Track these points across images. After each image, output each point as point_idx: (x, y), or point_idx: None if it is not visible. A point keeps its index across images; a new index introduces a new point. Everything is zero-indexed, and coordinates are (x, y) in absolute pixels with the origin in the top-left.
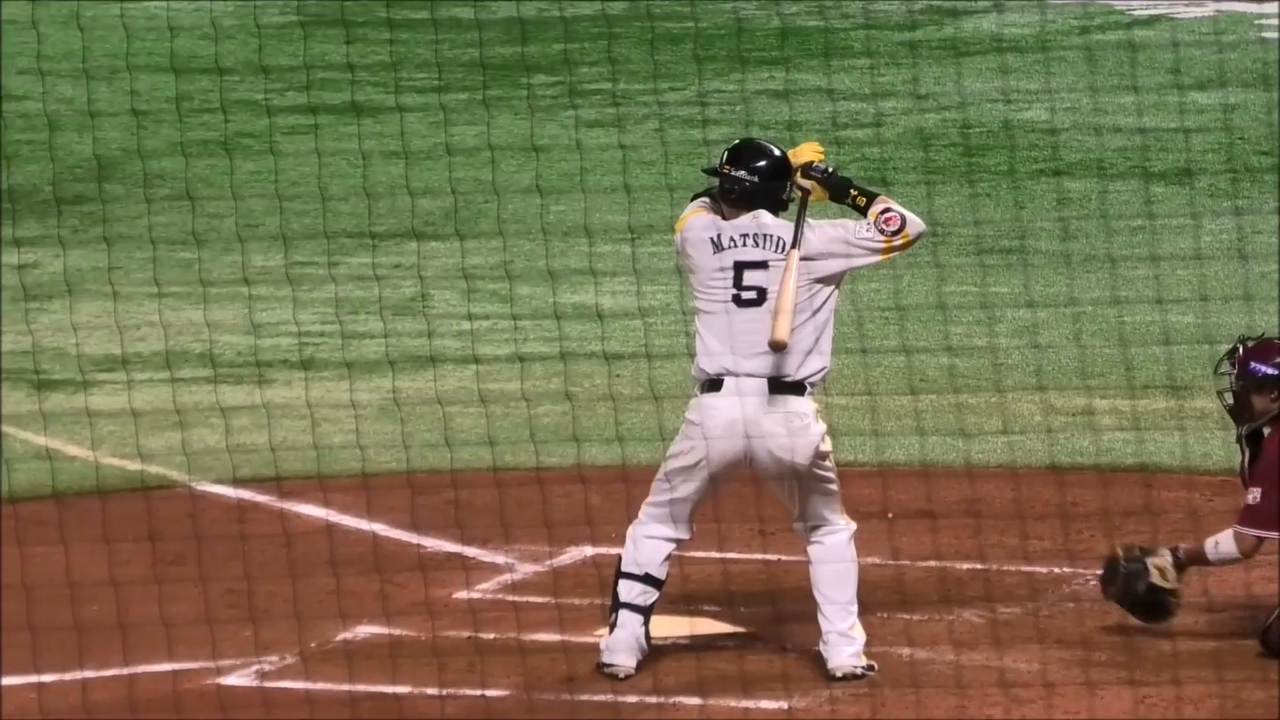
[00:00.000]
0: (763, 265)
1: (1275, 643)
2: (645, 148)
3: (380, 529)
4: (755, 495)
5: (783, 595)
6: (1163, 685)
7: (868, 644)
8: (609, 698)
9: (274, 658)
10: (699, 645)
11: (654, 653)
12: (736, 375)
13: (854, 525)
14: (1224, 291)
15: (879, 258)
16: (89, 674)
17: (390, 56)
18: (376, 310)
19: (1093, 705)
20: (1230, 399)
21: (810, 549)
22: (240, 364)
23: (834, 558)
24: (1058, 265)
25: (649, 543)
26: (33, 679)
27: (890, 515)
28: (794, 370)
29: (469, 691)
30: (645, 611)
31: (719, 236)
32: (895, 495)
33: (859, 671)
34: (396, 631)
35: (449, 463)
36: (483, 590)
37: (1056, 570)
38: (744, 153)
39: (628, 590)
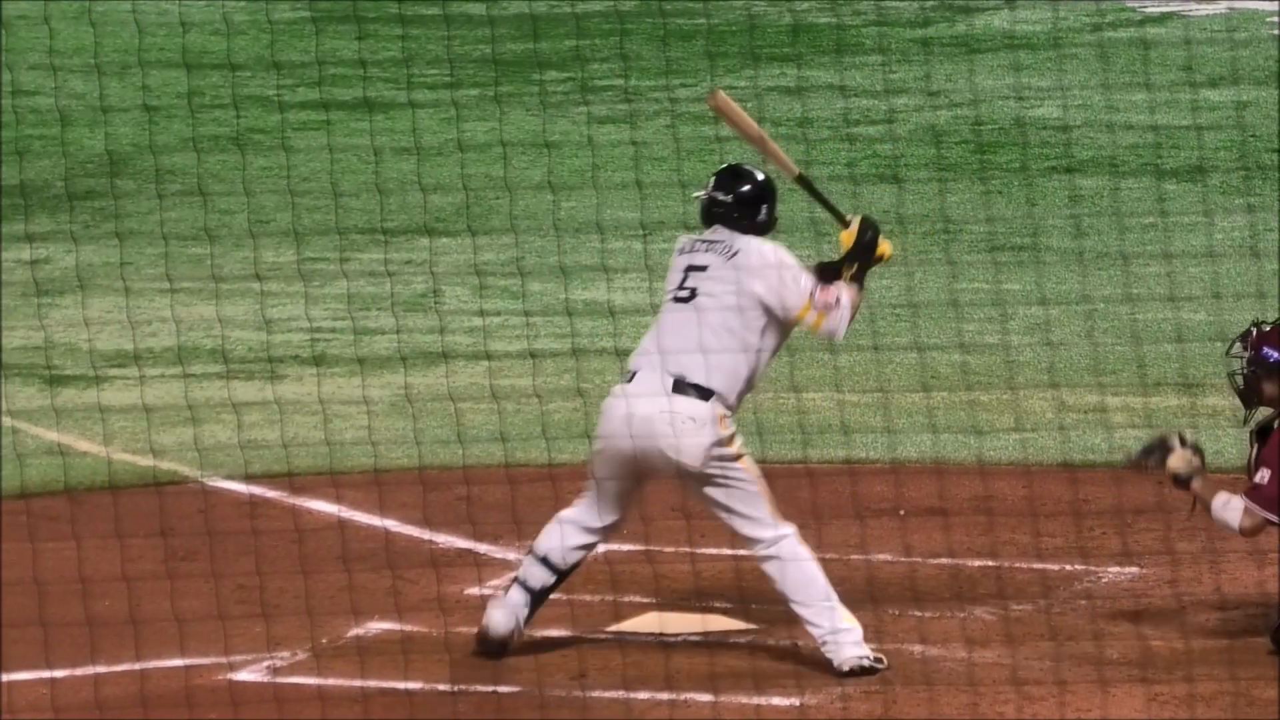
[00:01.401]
0: (703, 269)
1: None
2: (657, 144)
3: (392, 525)
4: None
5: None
6: (1175, 683)
7: (877, 639)
8: (620, 694)
9: (286, 653)
10: (711, 642)
11: (665, 649)
12: (649, 371)
13: (791, 527)
14: (1236, 289)
15: (792, 314)
16: (101, 669)
17: (402, 52)
18: (388, 306)
19: (1105, 703)
20: (1240, 382)
21: (764, 567)
22: (252, 359)
23: (789, 566)
24: (1070, 262)
25: (561, 528)
26: (45, 674)
27: (903, 512)
28: (704, 376)
29: (481, 688)
30: (534, 593)
31: (686, 244)
32: (908, 492)
33: (866, 663)
34: (408, 627)
35: (461, 459)
36: (494, 586)
37: (1069, 568)
38: (725, 176)
39: (524, 568)
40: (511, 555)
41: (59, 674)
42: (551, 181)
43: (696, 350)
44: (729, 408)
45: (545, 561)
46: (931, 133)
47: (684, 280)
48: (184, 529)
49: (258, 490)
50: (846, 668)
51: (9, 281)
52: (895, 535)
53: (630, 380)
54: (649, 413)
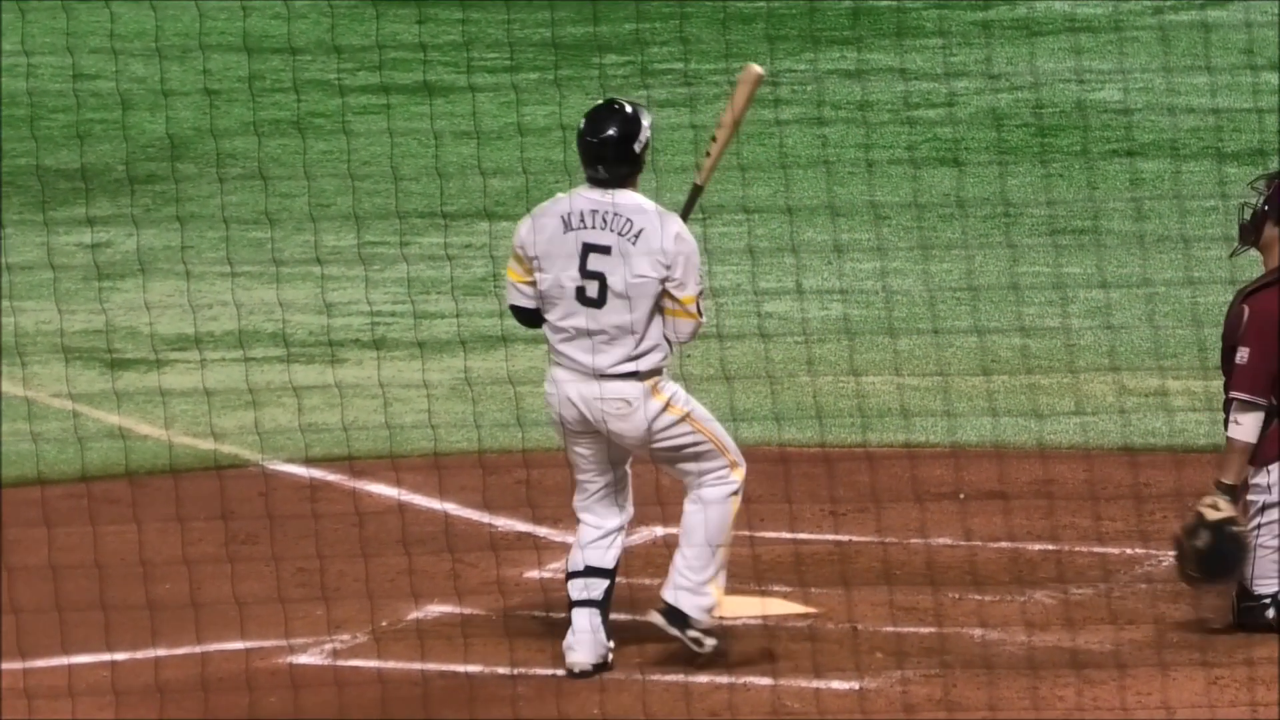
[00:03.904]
0: (605, 250)
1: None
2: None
3: (451, 508)
4: (826, 476)
5: (854, 576)
6: (1235, 666)
7: (937, 623)
8: (680, 678)
9: (346, 636)
10: (770, 626)
11: (724, 633)
12: (570, 367)
13: (738, 479)
14: None
15: (675, 298)
16: (161, 652)
17: (462, 36)
18: (448, 290)
19: (1165, 686)
20: (1247, 214)
21: (690, 501)
22: (312, 343)
23: (702, 505)
24: (1131, 246)
25: (583, 534)
26: (105, 657)
27: (962, 496)
28: (632, 364)
29: (540, 671)
30: (598, 604)
31: (569, 214)
32: (967, 476)
33: (699, 633)
34: (468, 610)
35: (520, 442)
36: (554, 570)
37: (1129, 551)
38: (600, 113)
39: (574, 587)
40: (570, 539)
41: (120, 657)
42: None
43: (618, 344)
44: (658, 373)
45: (590, 571)
46: (992, 116)
47: (584, 263)
48: (244, 512)
49: (318, 474)
50: (680, 621)
51: (69, 265)
52: (955, 519)
53: (560, 369)
54: (588, 394)
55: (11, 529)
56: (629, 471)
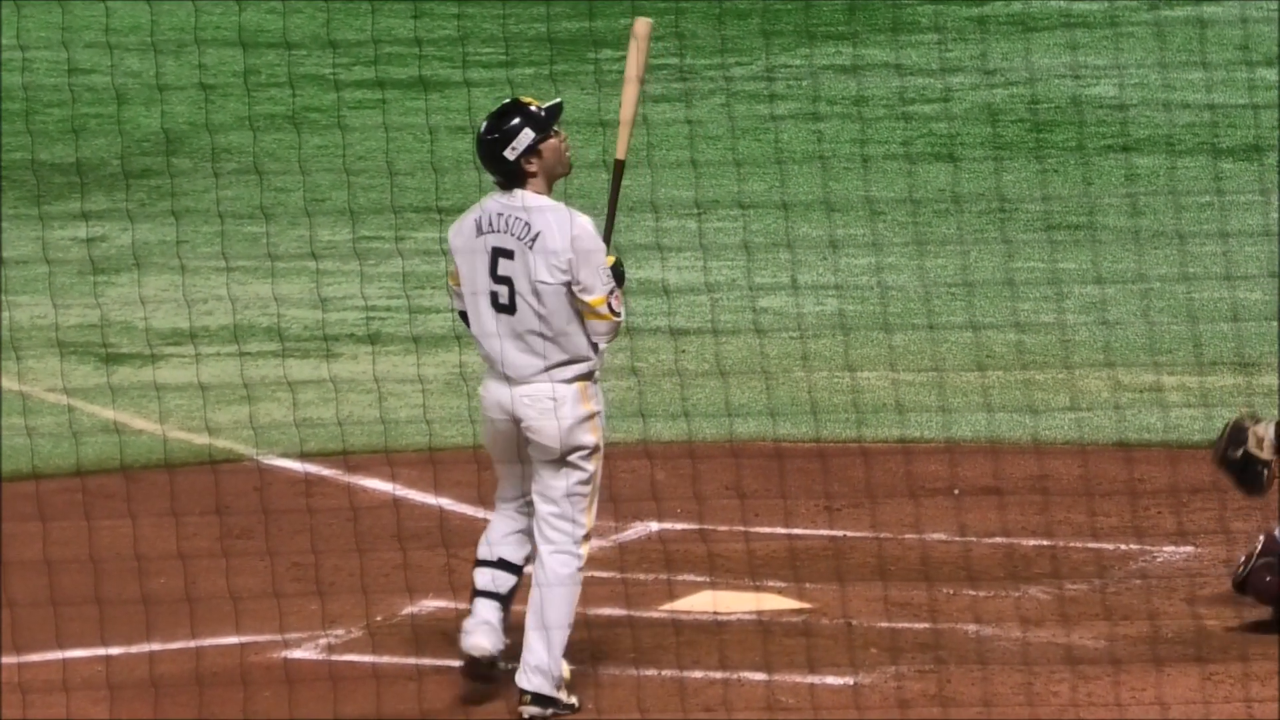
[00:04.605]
0: (509, 255)
1: (1252, 587)
2: (712, 123)
3: (446, 503)
4: (821, 471)
5: (848, 571)
6: (1230, 662)
7: (931, 619)
8: (674, 673)
9: (340, 631)
10: (764, 621)
11: (719, 628)
12: (494, 370)
13: (584, 555)
14: None
15: (585, 299)
16: (156, 647)
17: (457, 31)
18: (443, 285)
19: (1160, 682)
20: None
21: (537, 562)
22: (307, 338)
23: (548, 586)
24: (1126, 241)
25: (495, 528)
26: (100, 652)
27: (957, 491)
28: (543, 372)
29: None
30: (502, 599)
31: (480, 219)
32: (962, 471)
33: (563, 704)
34: (463, 605)
35: None
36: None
37: (1124, 547)
38: (489, 119)
39: (481, 576)
40: None
41: (115, 651)
42: (606, 160)
43: (536, 350)
44: (588, 379)
45: (501, 564)
46: (987, 111)
47: (494, 267)
48: (239, 507)
49: (313, 468)
50: (547, 703)
51: (64, 259)
52: (950, 514)
53: (492, 376)
54: (513, 397)
55: (7, 523)
56: None
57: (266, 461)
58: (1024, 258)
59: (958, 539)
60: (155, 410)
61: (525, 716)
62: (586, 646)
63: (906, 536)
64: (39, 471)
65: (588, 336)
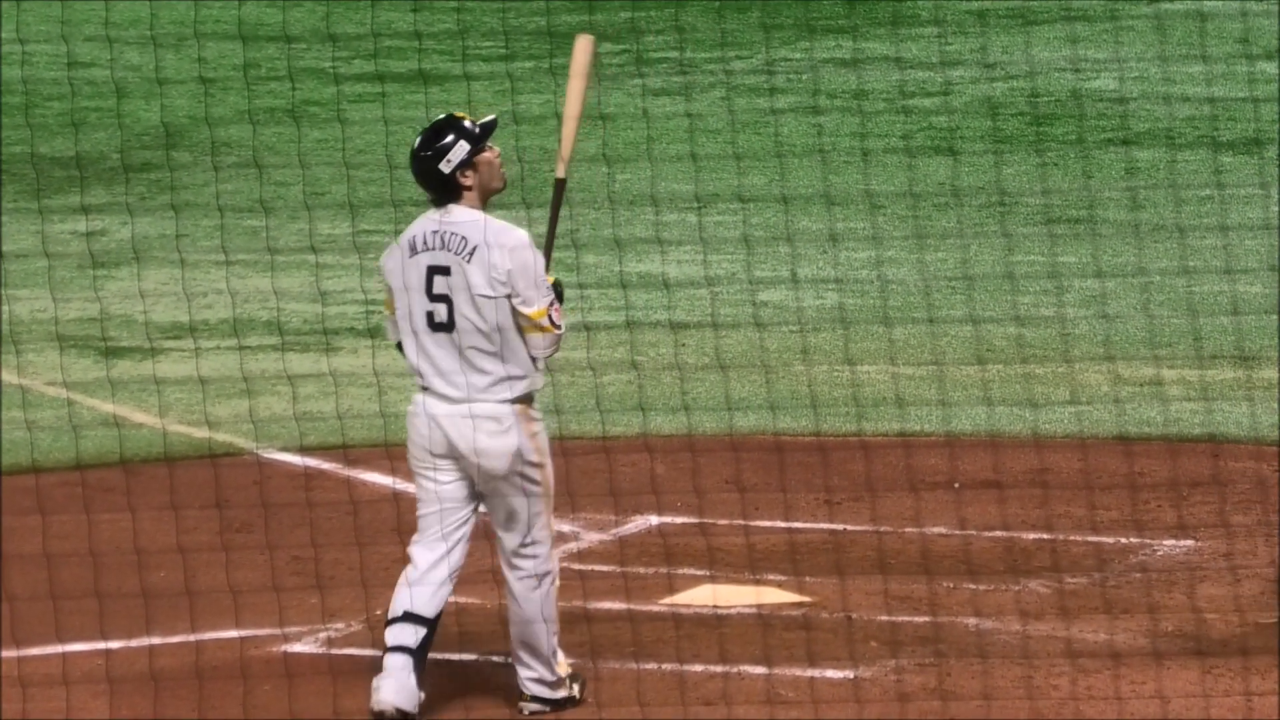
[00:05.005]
0: (446, 271)
1: None
2: (712, 116)
3: None
4: (821, 465)
5: (849, 565)
6: (1230, 655)
7: (931, 613)
8: (674, 667)
9: (340, 625)
10: (764, 615)
11: (719, 622)
12: (433, 393)
13: (555, 566)
14: None
15: (524, 311)
16: (156, 640)
17: (457, 24)
18: None
19: (1160, 675)
20: None
21: (508, 590)
22: (307, 332)
23: (525, 602)
24: (1126, 235)
25: (410, 572)
26: (100, 645)
27: (957, 485)
28: (485, 392)
29: None
30: (413, 653)
31: (414, 239)
32: (962, 465)
33: (563, 697)
34: (462, 599)
35: None
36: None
37: (1124, 540)
38: (428, 130)
39: (390, 633)
40: (565, 527)
41: (114, 645)
42: (606, 154)
43: (477, 369)
44: (528, 401)
45: (408, 618)
46: (987, 105)
47: (430, 285)
48: (239, 501)
49: (312, 462)
50: (549, 703)
51: (64, 253)
52: (950, 508)
53: (429, 397)
54: (451, 419)
55: (7, 517)
56: (474, 520)
57: (266, 455)
58: (1024, 251)
59: (958, 532)
60: (155, 404)
61: (525, 713)
62: (586, 640)
63: (906, 530)
64: (39, 465)
65: (528, 351)
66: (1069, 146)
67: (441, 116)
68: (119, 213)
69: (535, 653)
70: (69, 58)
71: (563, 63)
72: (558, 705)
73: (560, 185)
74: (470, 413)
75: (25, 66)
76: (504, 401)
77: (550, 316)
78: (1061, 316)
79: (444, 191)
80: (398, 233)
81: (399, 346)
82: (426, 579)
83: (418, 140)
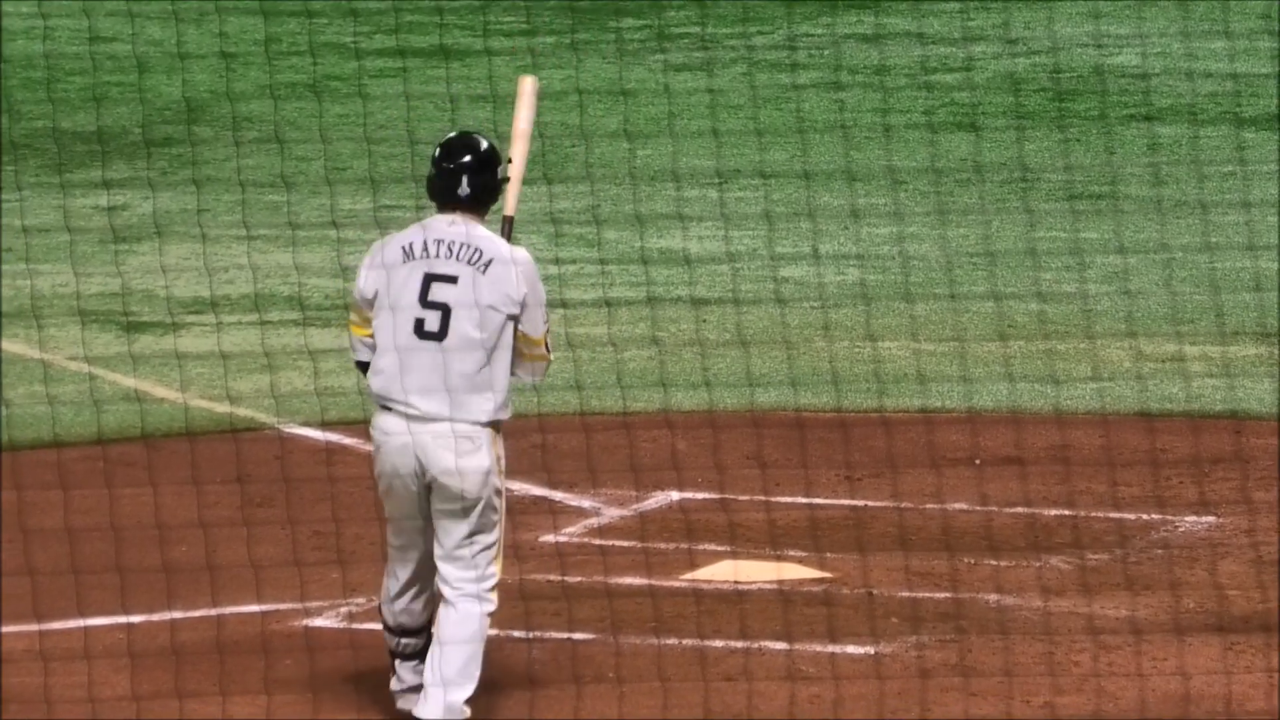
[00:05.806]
0: (452, 280)
1: None
2: (734, 91)
3: None
4: (842, 441)
5: (870, 541)
6: (1252, 633)
7: (953, 589)
8: (695, 642)
9: (361, 599)
10: (785, 590)
11: (740, 597)
12: (403, 410)
13: (495, 602)
14: None
15: (529, 336)
16: (177, 615)
17: None
18: None
19: (1181, 652)
20: None
21: (441, 607)
22: (328, 307)
23: (459, 631)
24: (1149, 211)
25: (389, 588)
26: (121, 620)
27: (978, 461)
28: (463, 410)
29: (555, 635)
30: (411, 656)
31: (411, 245)
32: (984, 441)
33: None
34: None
35: (536, 407)
36: (569, 534)
37: (1145, 517)
38: (456, 145)
39: (389, 640)
40: (586, 503)
41: (136, 619)
42: (628, 129)
43: (460, 386)
44: (497, 427)
45: (400, 630)
46: (1010, 80)
47: (425, 292)
48: (260, 475)
49: (334, 437)
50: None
51: (85, 228)
52: (971, 484)
53: (388, 409)
54: (422, 440)
55: (28, 491)
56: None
57: (287, 430)
58: (1046, 227)
59: (979, 509)
60: (176, 378)
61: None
62: (607, 615)
63: (928, 506)
64: (60, 439)
65: (520, 375)
66: (1091, 122)
67: (466, 132)
68: (140, 187)
69: (458, 676)
70: (90, 32)
71: (585, 38)
72: None
73: (507, 223)
74: (440, 431)
75: (47, 41)
76: (477, 424)
77: (547, 343)
78: (1083, 292)
79: (476, 200)
80: (420, 208)
81: (360, 367)
82: (408, 605)
83: (461, 145)
